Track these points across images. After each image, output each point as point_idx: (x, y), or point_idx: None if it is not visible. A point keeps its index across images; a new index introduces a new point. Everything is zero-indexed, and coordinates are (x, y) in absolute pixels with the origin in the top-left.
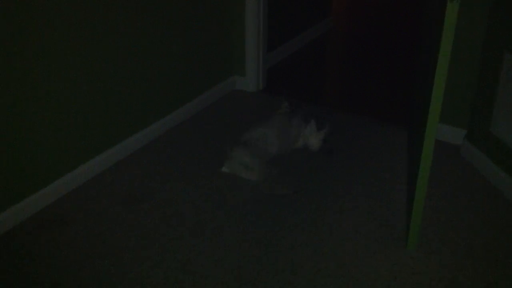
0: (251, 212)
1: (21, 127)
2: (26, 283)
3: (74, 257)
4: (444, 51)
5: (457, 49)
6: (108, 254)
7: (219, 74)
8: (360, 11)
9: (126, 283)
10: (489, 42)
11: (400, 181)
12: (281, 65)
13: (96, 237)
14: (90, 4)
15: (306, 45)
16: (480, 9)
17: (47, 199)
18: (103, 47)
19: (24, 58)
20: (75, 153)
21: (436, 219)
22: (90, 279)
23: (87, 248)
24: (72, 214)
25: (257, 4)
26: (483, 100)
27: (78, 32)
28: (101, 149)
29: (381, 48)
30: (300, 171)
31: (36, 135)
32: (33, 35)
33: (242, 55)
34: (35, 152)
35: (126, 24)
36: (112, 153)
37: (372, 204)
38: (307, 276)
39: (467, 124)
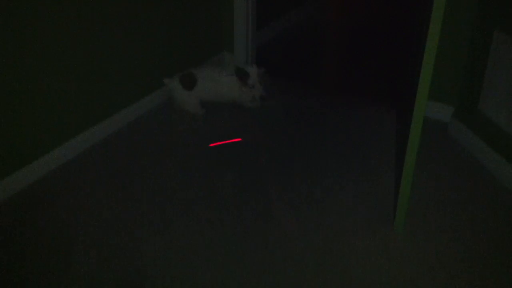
0: (240, 190)
1: (6, 104)
2: (14, 260)
3: (62, 233)
4: (433, 29)
5: (447, 27)
6: (96, 233)
7: (208, 50)
8: None
9: (113, 261)
10: (479, 20)
11: (389, 160)
12: (271, 43)
13: (82, 214)
14: None
15: (296, 24)
16: None
17: (33, 175)
18: (92, 23)
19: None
20: (60, 130)
21: (423, 197)
22: (77, 256)
23: (73, 225)
24: (58, 191)
25: None
26: (472, 77)
27: (63, 12)
28: (87, 126)
29: (372, 26)
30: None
31: (22, 112)
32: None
33: (231, 32)
34: (20, 128)
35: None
36: (98, 130)
37: (360, 184)
38: (294, 256)
39: (456, 102)
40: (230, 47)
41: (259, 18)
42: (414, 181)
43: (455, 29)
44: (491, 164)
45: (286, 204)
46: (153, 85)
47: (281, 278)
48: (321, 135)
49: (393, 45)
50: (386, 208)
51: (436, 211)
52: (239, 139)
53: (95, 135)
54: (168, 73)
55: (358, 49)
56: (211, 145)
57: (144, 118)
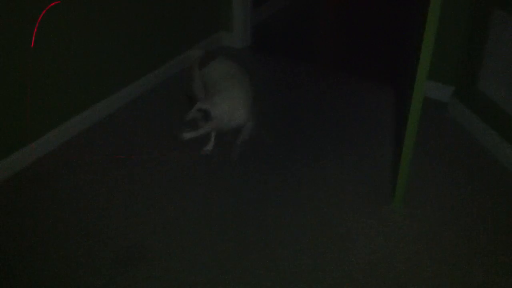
0: (234, 168)
1: (6, 83)
2: (13, 238)
3: (61, 212)
4: (433, 7)
5: (447, 5)
6: (94, 210)
7: (205, 29)
8: None
9: (112, 237)
10: None
11: (388, 139)
12: (268, 21)
13: (82, 192)
14: None
15: (294, 1)
16: None
17: (32, 155)
18: (92, 4)
19: None
20: (59, 109)
21: (422, 175)
22: (75, 234)
23: (72, 205)
24: (58, 170)
25: None
26: (471, 57)
27: None
28: (87, 105)
29: (372, 3)
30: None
31: (20, 92)
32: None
33: (229, 10)
34: (19, 108)
35: None
36: (98, 109)
37: (359, 161)
38: (292, 232)
39: (455, 81)
40: (227, 27)
41: None
42: (413, 159)
43: (454, 8)
44: (490, 143)
45: (282, 181)
46: (150, 65)
47: (278, 256)
48: (319, 112)
49: (393, 22)
50: (384, 186)
51: (435, 189)
52: None
53: (96, 114)
54: (165, 53)
55: (358, 27)
56: None
57: (142, 98)
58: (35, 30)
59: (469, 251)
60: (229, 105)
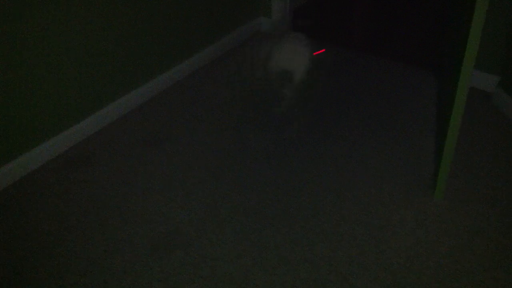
0: (273, 156)
1: (48, 68)
2: (52, 220)
3: (99, 196)
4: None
5: None
6: (132, 195)
7: (245, 15)
8: None
9: (150, 222)
10: None
11: (429, 128)
12: (308, 6)
13: (120, 177)
14: None
15: None
16: None
17: (72, 139)
18: None
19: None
20: (99, 94)
21: (464, 168)
22: (114, 218)
23: (111, 188)
24: (97, 154)
25: None
26: None
27: None
28: (126, 90)
29: None
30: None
31: (61, 75)
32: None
33: None
34: (60, 93)
35: None
36: (136, 95)
37: (399, 151)
38: (331, 222)
39: (501, 71)
40: (267, 12)
41: None
42: (456, 150)
43: None
44: None
45: (322, 170)
46: (190, 50)
47: (315, 247)
48: (358, 99)
49: (435, 7)
50: (426, 177)
51: (478, 182)
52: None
53: (134, 99)
54: (204, 40)
55: (398, 10)
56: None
57: (180, 83)
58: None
59: (509, 248)
60: None
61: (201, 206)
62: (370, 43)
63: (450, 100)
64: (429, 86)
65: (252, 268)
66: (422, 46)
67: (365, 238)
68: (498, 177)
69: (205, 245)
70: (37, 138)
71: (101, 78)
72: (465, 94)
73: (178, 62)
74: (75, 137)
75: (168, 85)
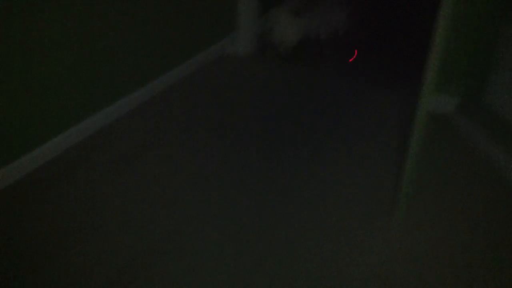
0: (244, 181)
1: (15, 87)
2: (20, 238)
3: (66, 218)
4: (442, 19)
5: (454, 17)
6: (102, 213)
7: (210, 37)
8: None
9: (121, 240)
10: (486, 11)
11: (391, 149)
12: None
13: (89, 198)
14: None
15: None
16: None
17: (41, 159)
18: (95, 7)
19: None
20: (69, 112)
21: (425, 188)
22: (81, 239)
23: (79, 209)
24: (67, 172)
25: None
26: (477, 69)
27: None
28: (94, 110)
29: (381, 11)
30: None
31: (30, 94)
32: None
33: (234, 18)
34: (29, 111)
35: None
36: (103, 115)
37: (362, 173)
38: (293, 248)
39: (461, 94)
40: (233, 34)
41: (263, 4)
42: (416, 171)
43: (461, 21)
44: (494, 157)
45: (284, 188)
46: (164, 67)
47: (279, 268)
48: (323, 119)
49: (404, 29)
50: (386, 198)
51: (438, 202)
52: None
53: (101, 119)
54: (169, 61)
55: (367, 31)
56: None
57: (143, 106)
58: None
59: (471, 265)
60: None
61: (171, 222)
62: (337, 63)
63: (412, 122)
64: (393, 109)
65: None
66: (389, 69)
67: (327, 258)
68: (457, 197)
69: (182, 258)
70: (4, 158)
71: (68, 97)
72: (425, 116)
73: (145, 83)
74: (45, 154)
75: (134, 106)
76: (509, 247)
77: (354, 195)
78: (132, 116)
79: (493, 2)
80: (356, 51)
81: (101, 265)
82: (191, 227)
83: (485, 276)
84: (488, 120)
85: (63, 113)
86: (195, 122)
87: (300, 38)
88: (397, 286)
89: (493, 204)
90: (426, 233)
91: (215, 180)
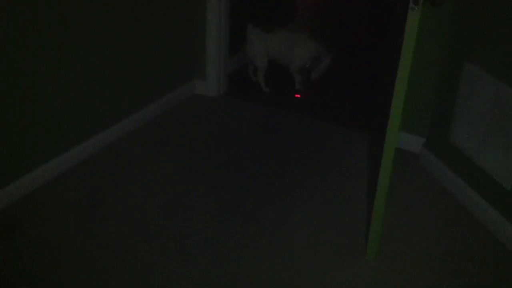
0: (211, 219)
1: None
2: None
3: (26, 265)
4: (405, 59)
5: (418, 58)
6: (62, 263)
7: (179, 78)
8: (325, 16)
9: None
10: (450, 52)
11: (361, 189)
12: (243, 70)
13: (50, 244)
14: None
15: None
16: (442, 18)
17: (1, 203)
18: (53, 48)
19: None
20: (29, 156)
21: (395, 228)
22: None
23: (40, 256)
24: (26, 219)
25: (218, 8)
26: (443, 108)
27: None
28: (55, 153)
29: (347, 52)
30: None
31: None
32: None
33: (203, 59)
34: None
35: (79, 23)
36: (67, 157)
37: (333, 212)
38: (266, 285)
39: (427, 133)
40: (201, 75)
41: (232, 45)
42: (386, 211)
43: (425, 60)
44: (461, 195)
45: (254, 232)
46: (122, 113)
47: None
48: (293, 160)
49: (368, 68)
50: (358, 238)
51: (408, 242)
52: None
53: (67, 161)
54: (137, 101)
55: (334, 73)
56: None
57: (114, 145)
58: None
59: None
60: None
61: (132, 274)
62: (305, 105)
63: (379, 162)
64: (363, 148)
65: None
66: (357, 108)
67: None
68: (426, 236)
69: None
70: None
71: (28, 140)
72: (392, 155)
73: (109, 125)
74: (2, 200)
75: (99, 148)
76: (478, 281)
77: (326, 236)
78: (100, 156)
79: (455, 40)
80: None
81: None
82: (155, 274)
83: None
84: (453, 157)
85: (26, 154)
86: (161, 164)
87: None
88: None
89: (460, 241)
90: (396, 275)
91: (179, 223)
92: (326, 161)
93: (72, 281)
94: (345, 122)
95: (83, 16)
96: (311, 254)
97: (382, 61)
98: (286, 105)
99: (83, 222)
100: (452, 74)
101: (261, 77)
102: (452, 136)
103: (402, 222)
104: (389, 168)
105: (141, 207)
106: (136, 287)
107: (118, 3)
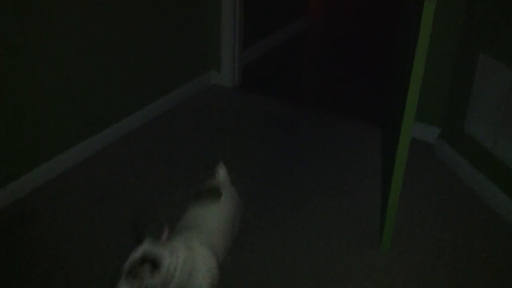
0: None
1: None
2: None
3: (43, 254)
4: (420, 50)
5: (433, 48)
6: (77, 253)
7: (195, 69)
8: (336, 10)
9: (95, 283)
10: (465, 42)
11: (375, 180)
12: (258, 62)
13: (66, 234)
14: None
15: (283, 43)
16: (456, 9)
17: (17, 193)
18: (77, 40)
19: None
20: (46, 146)
21: (409, 218)
22: (58, 276)
23: (56, 245)
24: (42, 209)
25: (233, 0)
26: (457, 99)
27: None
28: (73, 142)
29: (357, 46)
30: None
31: (6, 128)
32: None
33: (218, 51)
34: (3, 145)
35: (100, 16)
36: (84, 147)
37: (346, 204)
38: (280, 277)
39: (442, 123)
40: (217, 66)
41: (246, 37)
42: (400, 201)
43: (440, 51)
44: (476, 185)
45: (269, 225)
46: (138, 104)
47: None
48: (305, 153)
49: (378, 62)
50: (372, 229)
51: (422, 232)
52: None
53: (79, 154)
54: (152, 92)
55: (345, 67)
56: None
57: (127, 137)
58: None
59: None
60: (192, 256)
61: None
62: (319, 98)
63: (393, 152)
64: (375, 140)
65: None
66: (368, 101)
67: (317, 283)
68: (441, 227)
69: None
70: None
71: (45, 130)
72: (407, 146)
73: (127, 115)
74: (19, 191)
75: (116, 138)
76: (493, 273)
77: (339, 228)
78: (120, 144)
79: (470, 31)
80: None
81: None
82: None
83: None
84: (469, 148)
85: (43, 145)
86: (178, 153)
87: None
88: None
89: (476, 231)
90: (410, 266)
91: None
92: (339, 154)
93: (86, 270)
94: (358, 115)
95: (100, 7)
96: (324, 244)
97: (391, 52)
98: (299, 98)
99: (96, 213)
100: (467, 65)
101: None
102: (468, 127)
103: (416, 213)
104: (403, 158)
105: (155, 197)
106: None
107: None
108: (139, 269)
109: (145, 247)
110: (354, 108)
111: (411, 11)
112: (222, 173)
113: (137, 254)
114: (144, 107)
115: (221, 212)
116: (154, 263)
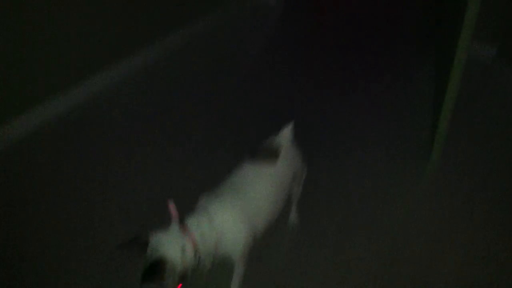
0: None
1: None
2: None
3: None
4: None
5: None
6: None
7: None
8: None
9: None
10: None
11: (427, 95)
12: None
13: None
14: None
15: None
16: None
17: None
18: None
19: None
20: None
21: (461, 133)
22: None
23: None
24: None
25: None
26: None
27: None
28: (111, 60)
29: None
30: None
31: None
32: None
33: None
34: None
35: None
36: (122, 64)
37: (397, 118)
38: (327, 191)
39: (499, 41)
40: None
41: None
42: (453, 120)
43: None
44: None
45: (319, 140)
46: (183, 20)
47: (311, 217)
48: (360, 77)
49: None
50: (423, 142)
51: (473, 148)
52: None
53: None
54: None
55: None
56: None
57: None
58: None
59: (502, 216)
60: (218, 225)
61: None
62: (370, 18)
63: (448, 68)
64: (430, 59)
65: None
66: (421, 17)
67: (366, 203)
68: (493, 145)
69: None
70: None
71: (70, 56)
72: (462, 64)
73: (171, 31)
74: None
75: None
76: None
77: (390, 141)
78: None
79: None
80: None
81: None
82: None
83: None
84: None
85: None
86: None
87: None
88: (424, 237)
89: None
90: (461, 178)
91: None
92: (390, 68)
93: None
94: (409, 30)
95: None
96: (375, 158)
97: None
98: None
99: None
100: None
101: None
102: None
103: (468, 131)
104: (458, 74)
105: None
106: None
107: None
108: (151, 277)
109: (149, 249)
110: (407, 22)
111: None
112: (286, 133)
113: (144, 261)
114: (184, 26)
115: (274, 175)
116: (160, 265)
